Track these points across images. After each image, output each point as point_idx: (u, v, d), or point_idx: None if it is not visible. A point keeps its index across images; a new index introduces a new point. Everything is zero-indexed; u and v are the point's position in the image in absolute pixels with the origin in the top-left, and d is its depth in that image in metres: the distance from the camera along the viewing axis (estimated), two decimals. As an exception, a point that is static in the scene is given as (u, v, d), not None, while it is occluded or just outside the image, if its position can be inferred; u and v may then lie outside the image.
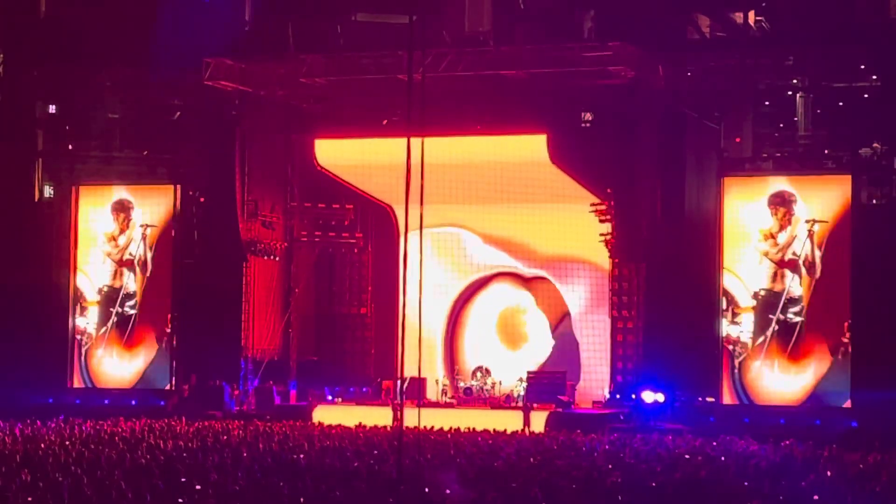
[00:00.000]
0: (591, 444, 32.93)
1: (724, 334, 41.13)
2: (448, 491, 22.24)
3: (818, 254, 40.74)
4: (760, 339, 40.87)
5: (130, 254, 46.44)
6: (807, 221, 40.76)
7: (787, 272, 40.91)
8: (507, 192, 45.22)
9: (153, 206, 46.43)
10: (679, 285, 41.46)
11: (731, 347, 41.09)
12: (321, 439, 32.94)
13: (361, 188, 46.62)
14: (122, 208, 46.83)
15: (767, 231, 41.12)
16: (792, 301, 40.87)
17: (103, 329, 46.41)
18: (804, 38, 41.69)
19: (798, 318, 40.71)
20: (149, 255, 46.31)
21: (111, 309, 46.40)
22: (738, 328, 41.17)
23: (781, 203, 41.13)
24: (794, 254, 40.88)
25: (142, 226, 46.33)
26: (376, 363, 47.65)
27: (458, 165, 43.44)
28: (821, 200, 40.85)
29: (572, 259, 45.93)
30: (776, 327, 40.72)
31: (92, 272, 46.75)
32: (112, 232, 46.77)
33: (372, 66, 42.61)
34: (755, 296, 41.05)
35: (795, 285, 40.84)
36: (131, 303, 46.33)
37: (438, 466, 26.65)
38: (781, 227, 41.06)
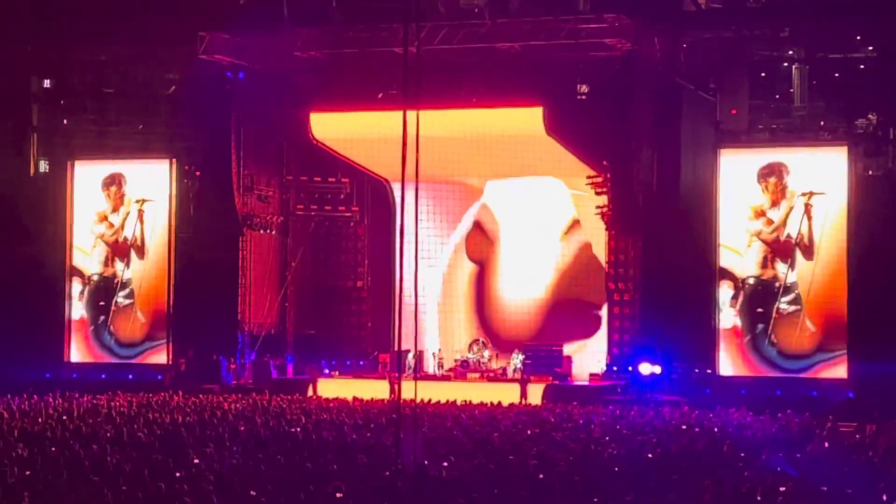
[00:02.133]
0: (588, 416, 32.96)
1: (721, 315, 40.88)
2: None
3: (816, 233, 39.96)
4: (749, 337, 40.52)
5: (125, 237, 46.08)
6: (803, 194, 40.24)
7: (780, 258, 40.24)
8: (504, 164, 45.23)
9: (148, 181, 46.18)
10: (675, 257, 41.39)
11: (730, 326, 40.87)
12: (318, 413, 32.96)
13: (357, 162, 46.55)
14: (113, 183, 46.45)
15: (759, 207, 40.53)
16: (786, 290, 40.19)
17: (94, 325, 46.34)
18: (800, 9, 41.62)
19: (793, 308, 39.97)
20: (146, 236, 45.94)
21: (101, 302, 46.08)
22: (733, 311, 40.87)
23: (771, 174, 40.56)
24: (789, 235, 40.13)
25: (137, 201, 46.08)
26: (372, 336, 47.71)
27: (454, 138, 43.37)
28: (816, 172, 40.54)
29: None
30: (774, 315, 40.30)
31: (86, 252, 46.62)
32: (104, 211, 46.44)
33: (367, 40, 42.50)
34: (742, 284, 40.47)
35: (790, 272, 40.06)
36: (125, 292, 46.00)
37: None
38: (774, 203, 40.63)
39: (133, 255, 45.96)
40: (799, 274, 40.10)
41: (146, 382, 43.10)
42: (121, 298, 46.02)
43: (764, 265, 40.41)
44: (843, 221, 39.85)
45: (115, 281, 46.08)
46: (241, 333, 45.35)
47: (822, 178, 40.25)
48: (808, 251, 40.16)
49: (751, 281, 40.52)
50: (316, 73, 45.39)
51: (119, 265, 46.05)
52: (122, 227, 46.10)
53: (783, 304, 40.19)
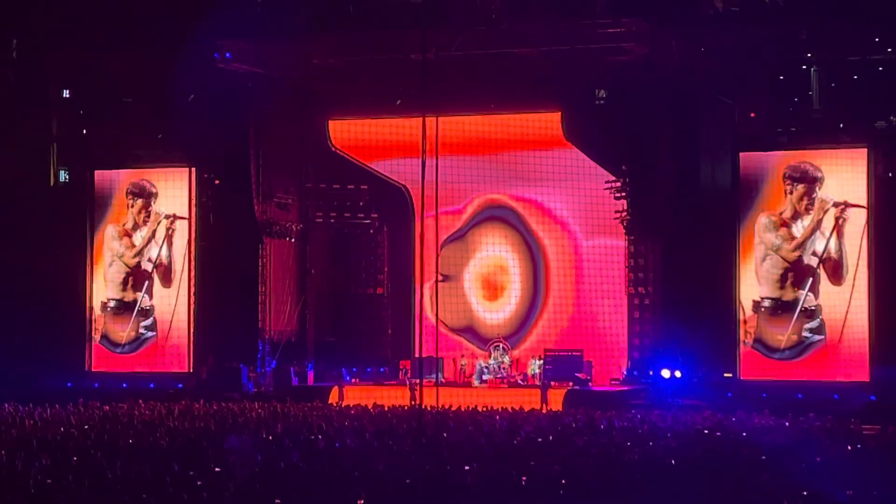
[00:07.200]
0: (610, 421, 32.90)
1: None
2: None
3: (847, 251, 38.75)
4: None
5: (150, 259, 45.77)
6: (836, 205, 39.25)
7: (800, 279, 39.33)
8: (522, 170, 45.23)
9: (175, 194, 45.77)
10: (695, 261, 41.35)
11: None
12: (339, 419, 32.97)
13: (376, 169, 46.57)
14: (141, 195, 46.02)
15: (778, 217, 40.07)
16: (807, 313, 39.44)
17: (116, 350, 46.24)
18: (818, 11, 41.52)
19: (817, 337, 39.03)
20: (174, 258, 45.36)
21: (122, 331, 45.75)
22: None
23: (801, 179, 40.13)
24: (814, 254, 39.27)
25: (167, 217, 45.63)
26: (393, 343, 47.69)
27: (472, 144, 43.38)
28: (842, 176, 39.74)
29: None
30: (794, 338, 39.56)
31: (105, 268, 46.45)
32: (125, 226, 46.17)
33: (384, 47, 42.50)
34: (756, 306, 39.89)
35: (812, 295, 39.08)
36: (147, 322, 45.58)
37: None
38: (796, 215, 40.14)
39: (157, 281, 45.49)
40: (825, 300, 39.09)
41: (167, 391, 43.17)
42: (143, 330, 45.78)
43: (781, 286, 39.82)
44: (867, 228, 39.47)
45: (137, 307, 45.68)
46: (262, 341, 45.39)
47: (852, 185, 39.40)
48: (837, 274, 39.32)
49: (766, 303, 40.06)
50: (334, 80, 45.41)
51: (142, 289, 45.59)
52: (147, 244, 45.76)
53: (805, 332, 39.24)
